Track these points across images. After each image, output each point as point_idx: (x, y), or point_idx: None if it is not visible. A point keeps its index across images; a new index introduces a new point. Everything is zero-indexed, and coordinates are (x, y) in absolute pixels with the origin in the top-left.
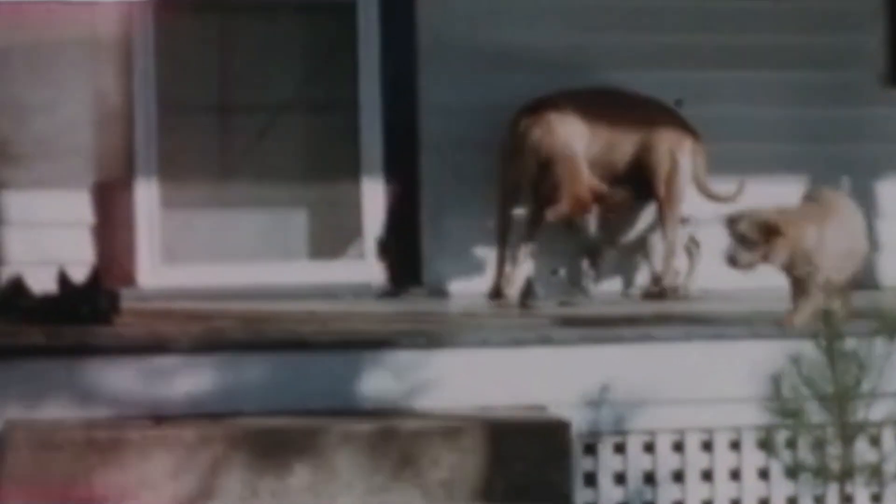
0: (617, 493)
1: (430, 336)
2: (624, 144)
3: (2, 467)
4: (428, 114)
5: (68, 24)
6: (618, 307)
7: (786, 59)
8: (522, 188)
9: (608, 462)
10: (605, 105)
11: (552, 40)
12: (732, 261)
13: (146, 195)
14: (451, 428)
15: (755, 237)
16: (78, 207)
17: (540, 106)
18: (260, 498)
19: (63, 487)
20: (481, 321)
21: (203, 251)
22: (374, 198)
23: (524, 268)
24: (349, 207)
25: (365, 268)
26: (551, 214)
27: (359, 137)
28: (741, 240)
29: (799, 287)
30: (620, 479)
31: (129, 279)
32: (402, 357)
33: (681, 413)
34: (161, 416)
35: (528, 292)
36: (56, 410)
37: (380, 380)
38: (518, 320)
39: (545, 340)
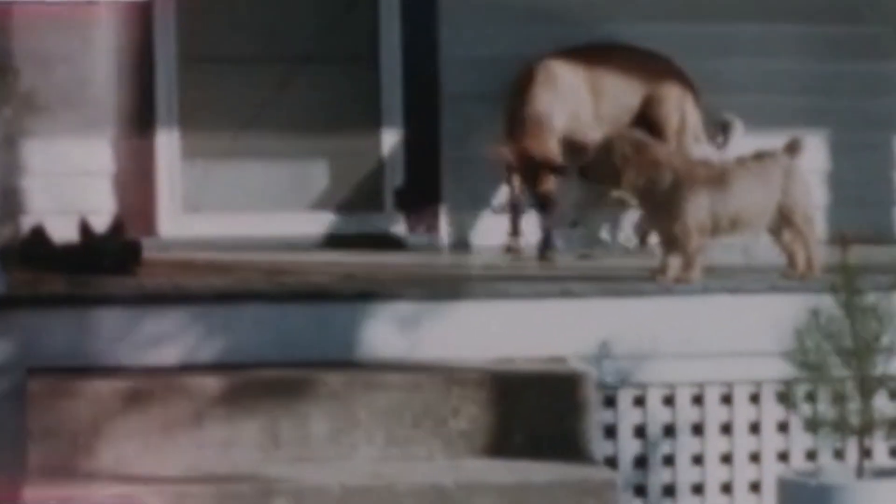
0: (636, 445)
1: (450, 288)
2: (629, 98)
3: (26, 416)
4: (448, 65)
5: None
6: (636, 260)
7: (805, 13)
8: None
9: (628, 414)
10: (608, 60)
11: None
12: (583, 172)
13: (167, 145)
14: (471, 379)
15: (603, 154)
16: (99, 157)
17: (532, 63)
18: (280, 446)
19: (86, 436)
20: (500, 273)
21: (223, 201)
22: (394, 149)
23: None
24: (369, 159)
25: (385, 219)
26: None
27: (379, 89)
28: (595, 155)
29: (666, 238)
30: (640, 431)
31: (149, 229)
32: (422, 309)
33: (701, 366)
34: (183, 367)
35: (547, 245)
36: (77, 360)
37: (399, 331)
38: (537, 272)
39: (565, 293)
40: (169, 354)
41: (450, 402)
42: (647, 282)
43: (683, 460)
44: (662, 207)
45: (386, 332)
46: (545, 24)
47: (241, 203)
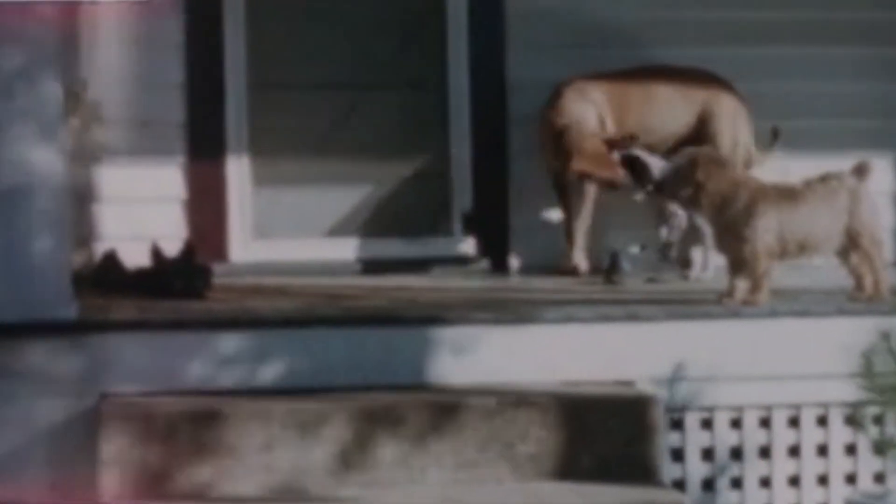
0: (704, 468)
1: (518, 312)
2: (679, 114)
3: (98, 440)
4: (515, 88)
5: None
6: (703, 283)
7: (869, 35)
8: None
9: (695, 437)
10: (650, 78)
11: (638, 14)
12: (659, 187)
13: (237, 171)
14: (539, 403)
15: (684, 170)
16: (170, 182)
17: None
18: (351, 472)
19: (160, 460)
20: (568, 296)
21: (292, 227)
22: (462, 173)
23: (581, 241)
24: (438, 183)
25: (453, 243)
26: (574, 166)
27: (447, 112)
28: (674, 171)
29: (734, 261)
30: (707, 454)
31: (220, 254)
32: (489, 333)
33: (768, 389)
34: (253, 390)
35: (614, 268)
36: (149, 384)
37: (466, 356)
38: (604, 296)
39: (632, 316)
40: (238, 378)
41: (518, 425)
42: (715, 305)
43: (751, 483)
44: (732, 228)
45: (453, 357)
46: (607, 47)
47: (310, 228)
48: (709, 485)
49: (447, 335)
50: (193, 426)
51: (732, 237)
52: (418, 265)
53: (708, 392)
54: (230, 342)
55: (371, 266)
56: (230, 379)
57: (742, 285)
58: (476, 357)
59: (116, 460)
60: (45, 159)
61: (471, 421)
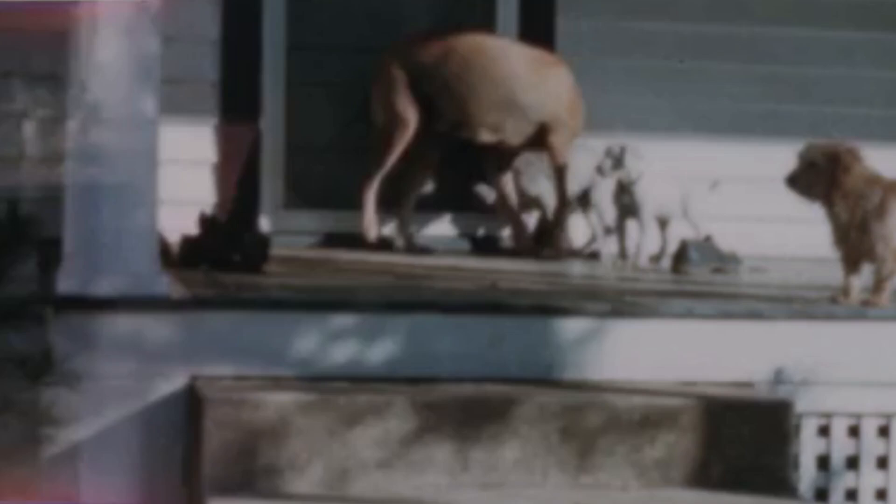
0: (819, 477)
1: (637, 304)
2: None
3: (194, 422)
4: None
5: None
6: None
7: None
8: None
9: (811, 444)
10: None
11: None
12: (790, 181)
13: (271, 134)
14: (668, 406)
15: (822, 163)
16: (201, 144)
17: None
18: (471, 471)
19: (264, 448)
20: (655, 287)
21: (326, 196)
22: None
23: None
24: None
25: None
26: None
27: None
28: (809, 165)
29: (856, 259)
30: (823, 462)
31: (249, 222)
32: (607, 325)
33: (890, 396)
34: (354, 378)
35: (682, 257)
36: (243, 367)
37: (575, 349)
38: (704, 289)
39: (754, 314)
40: (338, 363)
41: (646, 428)
42: (836, 305)
43: (867, 494)
44: (863, 226)
45: (567, 350)
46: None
47: (345, 198)
48: (822, 495)
49: (561, 326)
50: (303, 416)
51: (862, 235)
52: (462, 244)
53: (826, 397)
54: (330, 325)
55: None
56: (330, 364)
57: (857, 284)
58: (592, 351)
59: (217, 448)
60: (136, 120)
61: (598, 422)
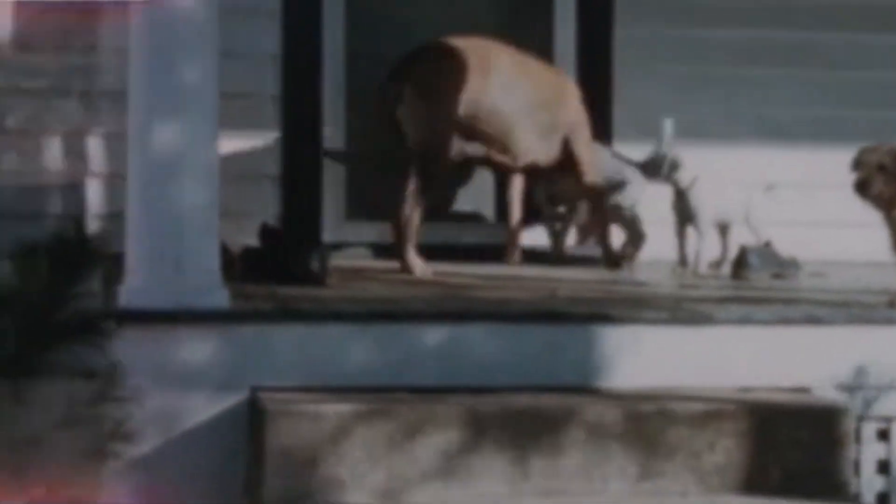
0: (878, 482)
1: (691, 311)
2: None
3: (256, 436)
4: (622, 69)
5: None
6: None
7: None
8: None
9: (871, 449)
10: None
11: None
12: (862, 187)
13: (333, 147)
14: (726, 411)
15: (892, 167)
16: (264, 158)
17: None
18: (530, 480)
19: (324, 461)
20: (716, 294)
21: (388, 207)
22: None
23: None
24: None
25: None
26: None
27: None
28: (877, 168)
29: None
30: (883, 467)
31: (311, 234)
32: (662, 333)
33: None
34: (415, 388)
35: (742, 263)
36: (301, 379)
37: (634, 356)
38: (762, 294)
39: (811, 319)
40: (394, 374)
41: (706, 434)
42: (895, 309)
43: None
44: None
45: (623, 358)
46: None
47: None
48: (884, 499)
49: (616, 334)
50: (361, 426)
51: None
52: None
53: (885, 401)
54: (388, 336)
55: (454, 251)
56: (389, 375)
57: None
58: (650, 358)
59: (279, 459)
60: (197, 133)
61: (655, 428)
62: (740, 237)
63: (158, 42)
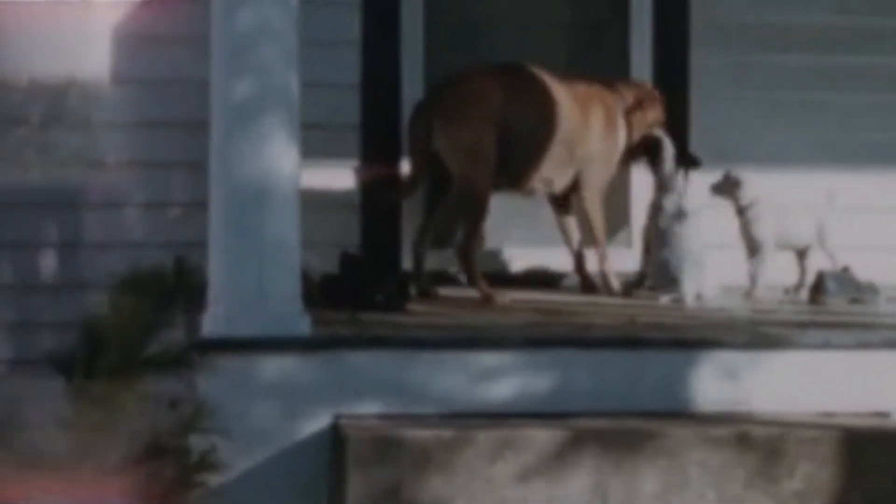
0: None
1: (771, 336)
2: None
3: (339, 462)
4: (699, 95)
5: None
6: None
7: None
8: None
9: None
10: None
11: (827, 20)
12: None
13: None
14: (807, 436)
15: None
16: (342, 187)
17: None
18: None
19: (411, 489)
20: (796, 319)
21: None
22: (641, 186)
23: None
24: (617, 195)
25: (631, 256)
26: None
27: None
28: None
29: None
30: None
31: (391, 262)
32: (742, 357)
33: None
34: (494, 415)
35: (820, 288)
36: (385, 406)
37: (713, 381)
38: (840, 319)
39: (890, 343)
40: (478, 400)
41: (785, 460)
42: None
43: None
44: None
45: (704, 382)
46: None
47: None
48: None
49: (697, 360)
50: (445, 453)
51: None
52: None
53: None
54: (469, 362)
55: (544, 277)
56: (470, 401)
57: None
58: (729, 383)
59: (361, 485)
60: (280, 161)
61: (735, 454)
62: (821, 263)
63: (243, 72)
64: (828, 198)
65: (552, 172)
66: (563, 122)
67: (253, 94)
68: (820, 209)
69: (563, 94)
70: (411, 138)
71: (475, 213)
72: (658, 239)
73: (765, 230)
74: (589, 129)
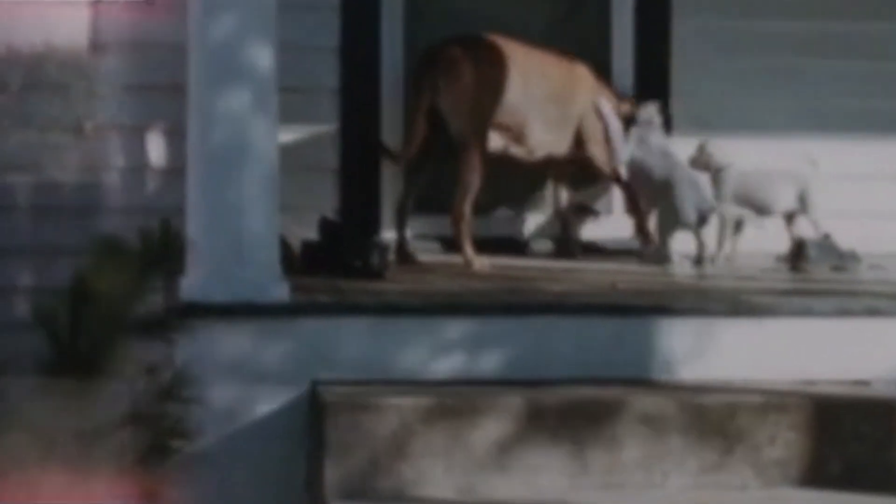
0: None
1: (743, 304)
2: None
3: (317, 429)
4: (680, 62)
5: None
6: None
7: None
8: None
9: None
10: None
11: None
12: None
13: (391, 141)
14: (787, 404)
15: None
16: (323, 152)
17: None
18: (590, 473)
19: (385, 453)
20: (779, 287)
21: (448, 200)
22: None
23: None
24: None
25: (612, 223)
26: None
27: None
28: None
29: None
30: None
31: (371, 228)
32: (723, 325)
33: None
34: (472, 382)
35: (801, 255)
36: (361, 373)
37: (694, 349)
38: (823, 287)
39: (872, 311)
40: (455, 368)
41: (766, 427)
42: None
43: None
44: None
45: (684, 350)
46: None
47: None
48: None
49: (678, 327)
50: (422, 420)
51: None
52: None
53: None
54: (448, 329)
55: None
56: (447, 368)
57: None
58: (710, 351)
59: (341, 454)
60: (257, 125)
61: (715, 421)
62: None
63: (219, 35)
64: (810, 163)
65: (545, 134)
66: (548, 84)
67: (228, 57)
68: (801, 175)
69: (546, 59)
70: (415, 94)
71: (474, 173)
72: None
73: (726, 195)
74: (576, 89)
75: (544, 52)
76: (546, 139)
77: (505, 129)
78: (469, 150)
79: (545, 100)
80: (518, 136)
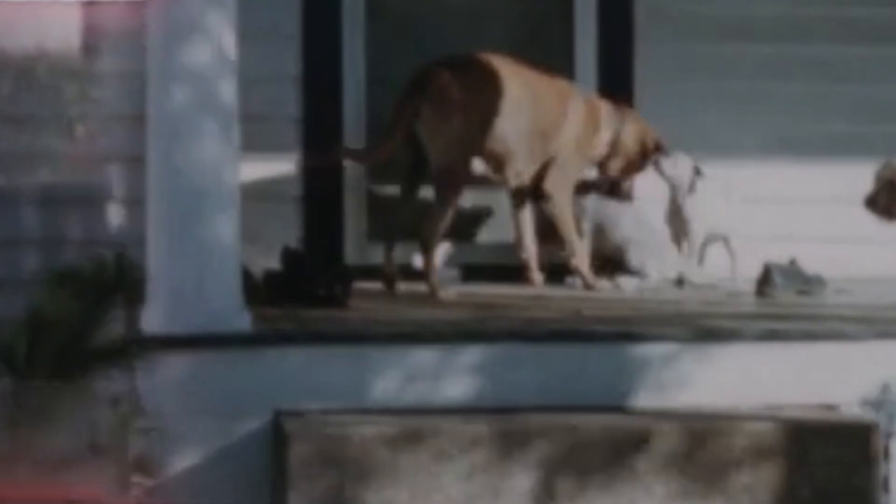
0: None
1: (714, 328)
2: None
3: (279, 458)
4: (643, 86)
5: None
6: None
7: None
8: None
9: None
10: None
11: (773, 11)
12: (870, 202)
13: (354, 168)
14: (755, 429)
15: None
16: (285, 180)
17: None
18: (557, 500)
19: (350, 482)
20: (741, 311)
21: (412, 229)
22: None
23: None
24: None
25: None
26: None
27: None
28: (888, 186)
29: None
30: None
31: (334, 256)
32: (686, 351)
33: None
34: (438, 410)
35: (766, 280)
36: (327, 402)
37: (659, 375)
38: (786, 311)
39: (838, 335)
40: (420, 396)
41: (734, 453)
42: None
43: None
44: None
45: (648, 376)
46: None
47: None
48: None
49: (641, 353)
50: (388, 449)
51: None
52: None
53: None
54: (412, 357)
55: (488, 271)
56: (412, 397)
57: None
58: (673, 376)
59: (304, 483)
60: (219, 158)
61: (682, 448)
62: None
63: (179, 65)
64: (726, 190)
65: (526, 164)
66: (539, 118)
67: (190, 92)
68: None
69: (543, 89)
70: (396, 115)
71: (447, 202)
72: None
73: (697, 220)
74: (562, 126)
75: (543, 80)
76: (524, 170)
77: (487, 156)
78: (444, 184)
79: (532, 134)
80: (499, 166)
